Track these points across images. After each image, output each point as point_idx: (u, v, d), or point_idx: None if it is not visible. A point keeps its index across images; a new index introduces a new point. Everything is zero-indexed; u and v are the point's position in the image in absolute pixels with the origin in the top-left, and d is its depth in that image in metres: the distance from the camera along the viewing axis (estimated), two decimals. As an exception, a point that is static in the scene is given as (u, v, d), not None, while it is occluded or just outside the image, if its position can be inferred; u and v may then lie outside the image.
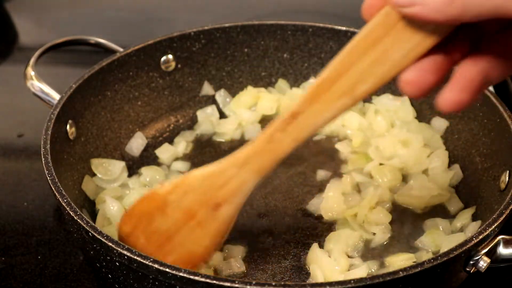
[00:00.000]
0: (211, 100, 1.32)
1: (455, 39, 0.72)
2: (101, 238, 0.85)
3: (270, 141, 0.81)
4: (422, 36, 0.70)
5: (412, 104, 1.26)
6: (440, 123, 1.22)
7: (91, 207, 1.09)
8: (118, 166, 1.15)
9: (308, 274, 0.99)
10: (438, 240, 1.02)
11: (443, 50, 0.72)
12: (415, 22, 0.69)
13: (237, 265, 1.00)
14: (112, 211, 1.05)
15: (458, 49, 0.72)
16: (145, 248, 0.89)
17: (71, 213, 0.88)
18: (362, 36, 0.73)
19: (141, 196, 0.92)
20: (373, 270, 0.99)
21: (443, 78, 0.73)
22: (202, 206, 0.87)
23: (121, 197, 1.10)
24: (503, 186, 1.00)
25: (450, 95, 0.71)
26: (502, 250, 0.88)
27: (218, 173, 0.86)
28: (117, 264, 0.87)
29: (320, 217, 1.09)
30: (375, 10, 0.72)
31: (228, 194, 0.85)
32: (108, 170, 1.14)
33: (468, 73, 0.70)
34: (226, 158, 0.86)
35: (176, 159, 1.21)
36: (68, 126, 1.09)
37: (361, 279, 0.80)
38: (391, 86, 1.28)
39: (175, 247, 0.89)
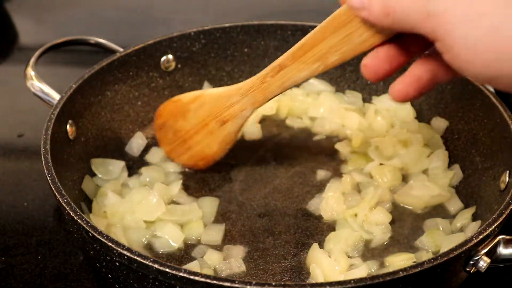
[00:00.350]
0: (211, 100, 1.32)
1: (408, 39, 0.84)
2: (101, 238, 0.85)
3: (263, 82, 1.02)
4: (374, 31, 0.85)
5: (412, 104, 1.26)
6: (440, 123, 1.22)
7: (91, 207, 1.09)
8: (118, 166, 1.16)
9: (308, 274, 0.99)
10: (438, 240, 1.02)
11: (397, 45, 0.85)
12: None
13: (237, 265, 1.00)
14: (110, 202, 1.06)
15: (411, 47, 0.84)
16: (171, 141, 1.16)
17: (71, 213, 0.88)
18: (333, 17, 0.89)
19: (170, 99, 1.16)
20: (373, 270, 0.99)
21: (397, 69, 0.86)
22: (212, 119, 1.10)
23: (121, 193, 1.11)
24: (503, 186, 1.00)
25: (399, 87, 0.83)
26: (502, 250, 0.88)
27: (226, 97, 1.08)
28: (117, 264, 0.87)
29: (320, 217, 1.09)
30: None
31: (232, 115, 1.08)
32: (108, 170, 1.14)
33: (418, 70, 0.82)
34: (232, 86, 1.07)
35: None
36: (68, 126, 1.09)
37: (361, 279, 0.80)
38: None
39: (193, 146, 1.14)
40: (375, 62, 0.85)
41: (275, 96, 1.03)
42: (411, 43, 0.84)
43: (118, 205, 1.05)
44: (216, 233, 1.05)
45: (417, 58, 0.83)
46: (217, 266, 0.99)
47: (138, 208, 1.04)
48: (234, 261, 1.00)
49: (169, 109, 1.15)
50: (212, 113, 1.10)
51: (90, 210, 1.08)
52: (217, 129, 1.10)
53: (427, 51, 0.83)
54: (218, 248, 1.03)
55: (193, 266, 0.99)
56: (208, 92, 1.12)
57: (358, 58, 1.29)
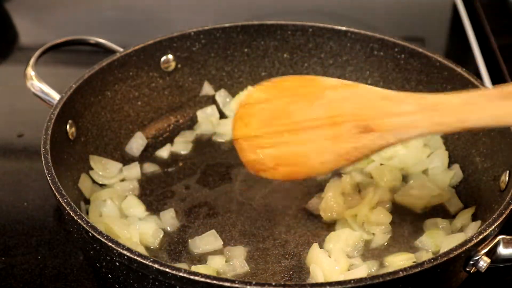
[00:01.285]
0: (211, 100, 1.32)
1: None
2: (101, 238, 0.85)
3: (470, 103, 0.74)
4: None
5: (412, 104, 1.26)
6: (440, 123, 1.22)
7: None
8: (116, 167, 1.16)
9: (308, 274, 0.99)
10: (438, 240, 1.02)
11: None
12: None
13: (241, 266, 1.00)
14: (108, 209, 1.06)
15: None
16: (262, 125, 0.86)
17: (71, 213, 0.88)
18: None
19: (299, 75, 0.89)
20: (373, 270, 0.99)
21: None
22: (351, 120, 0.81)
23: (116, 198, 1.11)
24: (503, 186, 1.00)
25: None
26: (502, 250, 0.88)
27: (394, 101, 0.79)
28: (117, 264, 0.87)
29: (320, 217, 1.09)
30: None
31: (389, 126, 0.79)
32: (106, 167, 1.15)
33: None
34: (411, 93, 0.79)
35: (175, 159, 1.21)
36: (68, 126, 1.09)
37: (361, 279, 0.80)
38: (391, 87, 1.28)
39: (294, 143, 0.84)
40: None
41: (479, 127, 0.78)
42: None
43: (117, 218, 1.06)
44: (214, 239, 1.04)
45: None
46: (221, 270, 0.99)
47: (139, 237, 1.04)
48: (237, 262, 1.00)
49: (291, 85, 0.87)
50: (357, 112, 0.81)
51: (87, 212, 1.08)
52: (350, 136, 0.82)
53: None
54: (218, 251, 1.03)
55: (198, 269, 0.98)
56: (366, 86, 0.84)
57: (358, 59, 1.30)
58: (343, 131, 0.82)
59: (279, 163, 0.87)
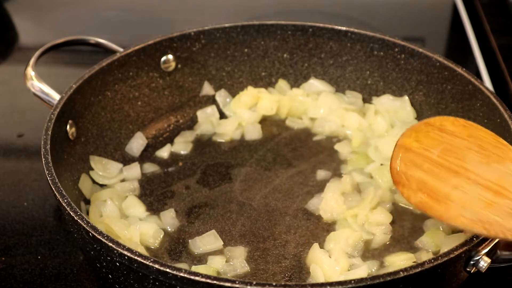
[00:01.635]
0: (211, 100, 1.32)
1: None
2: (101, 238, 0.85)
3: None
4: None
5: (413, 104, 1.26)
6: (440, 123, 1.22)
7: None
8: (116, 167, 1.16)
9: (308, 274, 0.99)
10: (438, 240, 1.02)
11: None
12: None
13: (241, 266, 1.00)
14: (108, 209, 1.06)
15: None
16: (427, 148, 0.89)
17: (71, 213, 0.88)
18: None
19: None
20: (373, 270, 0.99)
21: None
22: (500, 197, 0.83)
23: (116, 198, 1.11)
24: (503, 186, 1.00)
25: None
26: (503, 251, 0.88)
27: None
28: (118, 264, 0.87)
29: (320, 217, 1.09)
30: None
31: None
32: (106, 168, 1.15)
33: None
34: None
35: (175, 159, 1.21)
36: (68, 126, 1.09)
37: (361, 279, 0.80)
38: (391, 87, 1.28)
39: (449, 184, 0.86)
40: None
41: None
42: None
43: (117, 219, 1.06)
44: (214, 239, 1.04)
45: None
46: (221, 270, 0.99)
47: (140, 237, 1.04)
48: (238, 262, 1.00)
49: (481, 135, 0.89)
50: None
51: (87, 212, 1.08)
52: (505, 212, 0.82)
53: None
54: (218, 251, 1.03)
55: (198, 269, 0.98)
56: None
57: (358, 59, 1.30)
58: (500, 204, 0.83)
59: (423, 189, 0.88)
